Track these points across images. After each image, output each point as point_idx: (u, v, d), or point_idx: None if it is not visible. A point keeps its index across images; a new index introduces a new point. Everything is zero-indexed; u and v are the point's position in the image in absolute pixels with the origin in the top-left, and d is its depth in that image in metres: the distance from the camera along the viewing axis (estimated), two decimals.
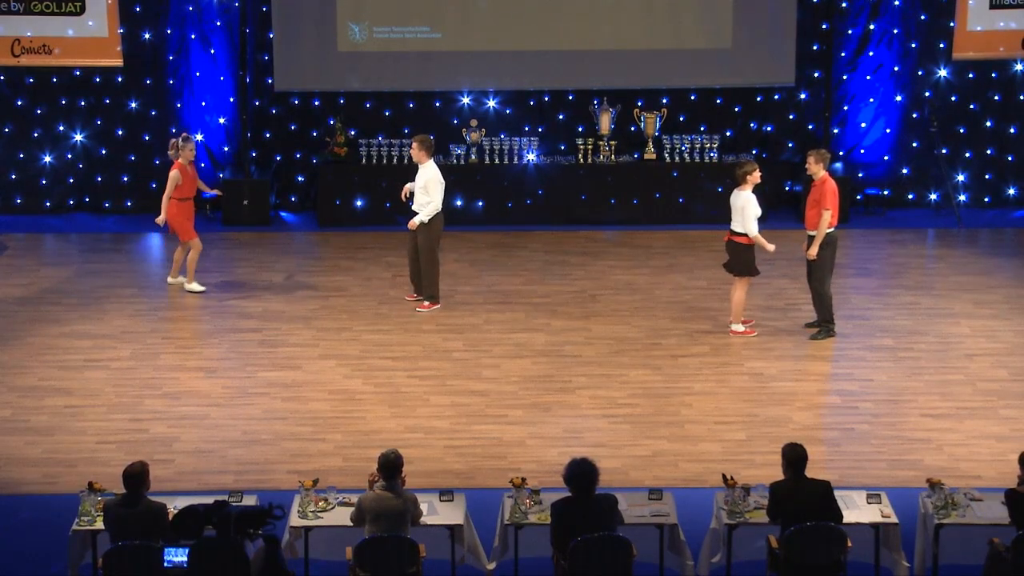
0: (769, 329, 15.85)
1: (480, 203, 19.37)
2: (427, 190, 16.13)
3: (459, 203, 19.32)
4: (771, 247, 15.35)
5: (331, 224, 19.12)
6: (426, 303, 16.42)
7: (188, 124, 19.60)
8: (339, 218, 19.14)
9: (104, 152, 19.70)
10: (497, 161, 19.38)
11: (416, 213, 16.22)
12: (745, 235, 15.29)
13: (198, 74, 19.50)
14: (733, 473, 11.53)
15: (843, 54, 19.60)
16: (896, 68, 19.61)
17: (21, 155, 19.63)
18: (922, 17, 19.51)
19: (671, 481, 12.63)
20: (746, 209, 15.22)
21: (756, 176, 15.36)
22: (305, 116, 19.71)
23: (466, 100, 19.61)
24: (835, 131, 19.71)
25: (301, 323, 16.15)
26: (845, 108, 19.76)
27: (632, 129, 19.47)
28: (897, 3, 19.47)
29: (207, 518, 9.63)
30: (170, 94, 19.57)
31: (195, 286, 16.81)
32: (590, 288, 17.14)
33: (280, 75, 19.38)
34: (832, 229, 15.33)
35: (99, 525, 10.88)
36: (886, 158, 19.89)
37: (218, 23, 19.39)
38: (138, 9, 19.31)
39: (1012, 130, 19.80)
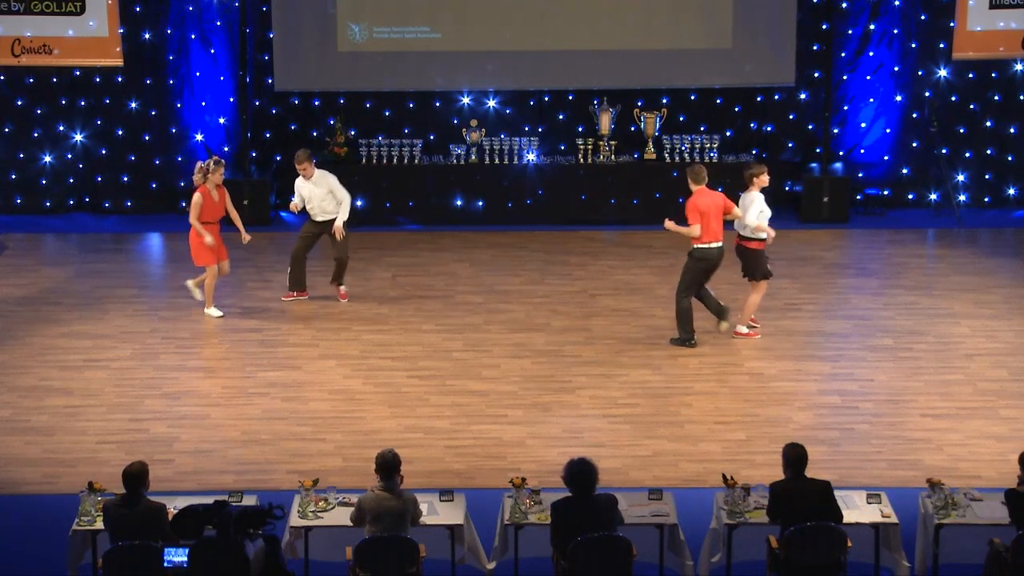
0: (769, 329, 15.84)
1: (480, 203, 19.38)
2: (335, 194, 16.43)
3: (459, 203, 19.34)
4: (771, 233, 15.31)
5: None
6: (344, 289, 16.74)
7: (188, 124, 19.61)
8: None
9: (104, 152, 19.71)
10: (497, 161, 19.38)
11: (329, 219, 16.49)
12: (753, 239, 15.25)
13: (198, 74, 19.51)
14: (733, 473, 11.53)
15: (843, 54, 19.60)
16: (896, 68, 19.62)
17: (21, 155, 19.64)
18: (922, 17, 19.51)
19: (671, 481, 12.62)
20: (748, 210, 15.18)
21: (764, 179, 15.31)
22: (305, 116, 19.72)
23: (466, 100, 19.62)
24: (835, 131, 19.72)
25: (301, 323, 16.16)
26: (845, 108, 19.76)
27: (632, 129, 19.48)
28: (897, 3, 19.47)
29: (207, 518, 9.63)
30: (170, 94, 19.58)
31: (213, 311, 16.36)
32: (590, 288, 17.15)
33: (280, 75, 19.39)
34: (708, 245, 15.11)
35: (99, 525, 10.87)
36: (886, 158, 19.89)
37: (218, 23, 19.40)
38: (138, 9, 19.32)
39: (1012, 130, 19.80)
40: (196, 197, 16.11)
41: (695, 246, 15.16)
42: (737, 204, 15.35)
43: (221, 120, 19.64)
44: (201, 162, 16.38)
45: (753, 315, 15.70)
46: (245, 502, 11.00)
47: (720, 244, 15.15)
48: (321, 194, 16.48)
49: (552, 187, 19.35)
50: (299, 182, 16.65)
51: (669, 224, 15.30)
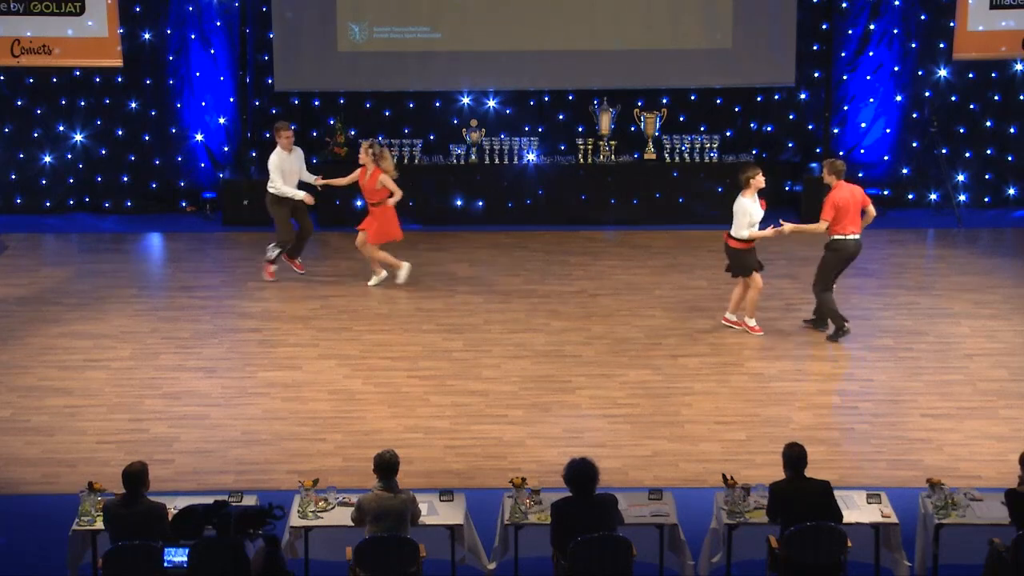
0: (769, 329, 15.85)
1: (480, 203, 19.37)
2: (303, 170, 17.24)
3: (459, 203, 19.34)
4: (771, 231, 15.34)
5: (331, 224, 19.11)
6: (299, 261, 17.47)
7: (188, 124, 19.61)
8: (339, 218, 19.11)
9: (104, 152, 19.70)
10: (497, 161, 19.38)
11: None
12: (739, 240, 15.27)
13: (198, 74, 19.51)
14: (733, 473, 11.54)
15: (843, 54, 19.61)
16: (896, 68, 19.62)
17: (21, 155, 19.64)
18: (922, 17, 19.51)
19: (671, 481, 12.63)
20: (738, 216, 15.19)
21: (759, 180, 15.31)
22: (305, 116, 19.71)
23: (466, 100, 19.62)
24: (835, 131, 19.72)
25: (301, 323, 16.16)
26: (845, 108, 19.76)
27: (632, 129, 19.48)
28: (897, 3, 19.47)
29: (207, 518, 9.63)
30: (170, 94, 19.57)
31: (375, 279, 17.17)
32: (590, 288, 17.14)
33: (280, 75, 19.39)
34: (842, 237, 15.26)
35: (99, 525, 10.88)
36: (886, 158, 19.89)
37: (218, 23, 19.40)
38: (138, 9, 19.32)
39: (1012, 130, 19.80)
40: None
41: (833, 237, 15.26)
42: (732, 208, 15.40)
43: (221, 120, 19.64)
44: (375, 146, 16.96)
45: (733, 316, 15.72)
46: (245, 502, 11.01)
47: (858, 236, 15.29)
48: (299, 168, 17.04)
49: (552, 187, 19.35)
50: (280, 158, 16.96)
51: (789, 227, 15.39)
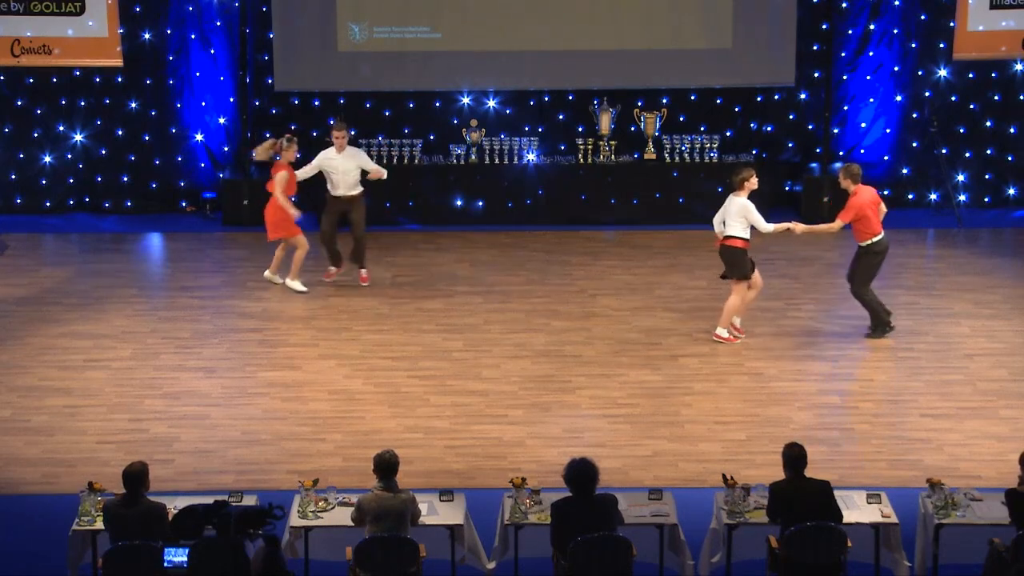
0: (770, 329, 15.85)
1: (480, 203, 19.38)
2: (365, 168, 17.00)
3: (459, 203, 19.34)
4: (791, 225, 15.42)
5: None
6: (364, 272, 17.13)
7: (188, 124, 19.61)
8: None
9: (104, 152, 19.70)
10: (497, 161, 19.38)
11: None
12: (738, 238, 15.21)
13: (198, 74, 19.51)
14: (733, 473, 11.53)
15: (843, 54, 19.61)
16: (896, 68, 19.62)
17: (21, 155, 19.64)
18: (922, 17, 19.51)
19: (671, 481, 12.63)
20: (749, 215, 15.14)
21: (753, 182, 15.27)
22: (305, 116, 19.71)
23: (466, 100, 19.62)
24: (835, 131, 19.72)
25: (301, 323, 16.16)
26: (845, 108, 19.76)
27: (632, 129, 19.48)
28: (897, 3, 19.48)
29: (207, 518, 9.63)
30: (170, 94, 19.57)
31: (298, 285, 16.85)
32: (590, 288, 17.14)
33: (280, 75, 19.39)
34: (878, 238, 15.34)
35: (99, 525, 10.87)
36: (886, 158, 19.89)
37: (218, 23, 19.40)
38: (138, 9, 19.32)
39: (1012, 130, 19.80)
40: (282, 174, 16.55)
41: (870, 241, 15.35)
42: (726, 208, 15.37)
43: (221, 120, 19.64)
44: (273, 139, 16.84)
45: (737, 320, 15.67)
46: (245, 502, 11.01)
47: (883, 233, 15.41)
48: (350, 168, 16.82)
49: (552, 187, 19.35)
50: (327, 156, 16.85)
51: (801, 227, 15.55)
